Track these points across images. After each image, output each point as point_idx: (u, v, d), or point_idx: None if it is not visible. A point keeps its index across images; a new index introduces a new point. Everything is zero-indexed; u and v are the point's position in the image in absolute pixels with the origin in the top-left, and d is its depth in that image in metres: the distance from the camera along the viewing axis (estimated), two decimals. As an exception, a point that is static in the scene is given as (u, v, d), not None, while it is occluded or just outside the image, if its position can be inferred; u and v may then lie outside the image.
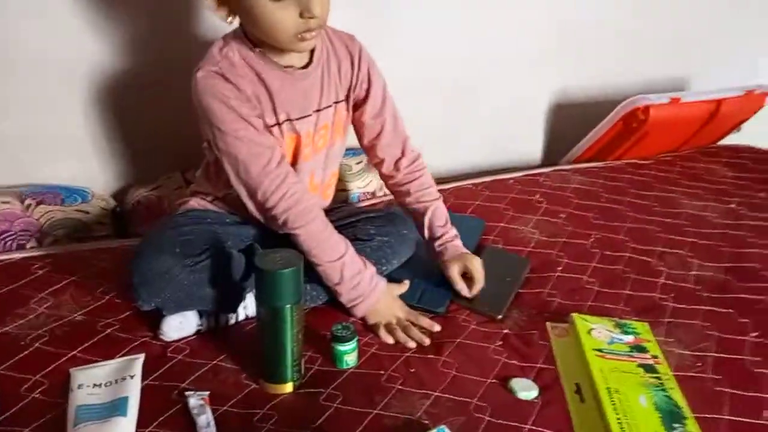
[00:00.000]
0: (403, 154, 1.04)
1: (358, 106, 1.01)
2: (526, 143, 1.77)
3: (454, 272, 1.01)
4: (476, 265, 1.01)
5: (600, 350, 0.87)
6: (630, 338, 0.91)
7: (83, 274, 1.00)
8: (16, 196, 1.12)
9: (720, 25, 1.83)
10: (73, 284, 0.97)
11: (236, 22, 0.89)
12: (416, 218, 1.06)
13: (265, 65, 0.88)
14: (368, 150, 1.06)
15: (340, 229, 0.98)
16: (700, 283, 1.10)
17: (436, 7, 1.42)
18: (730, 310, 1.03)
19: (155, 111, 1.24)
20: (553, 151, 1.78)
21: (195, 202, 1.00)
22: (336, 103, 0.97)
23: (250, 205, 0.91)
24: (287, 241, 0.91)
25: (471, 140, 1.65)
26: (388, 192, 1.39)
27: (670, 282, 1.10)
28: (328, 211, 1.05)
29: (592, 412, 0.79)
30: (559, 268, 1.12)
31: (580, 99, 1.74)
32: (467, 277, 1.02)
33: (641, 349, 0.89)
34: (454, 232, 1.05)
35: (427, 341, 0.91)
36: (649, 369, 0.85)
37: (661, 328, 0.97)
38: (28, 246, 1.10)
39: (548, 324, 0.95)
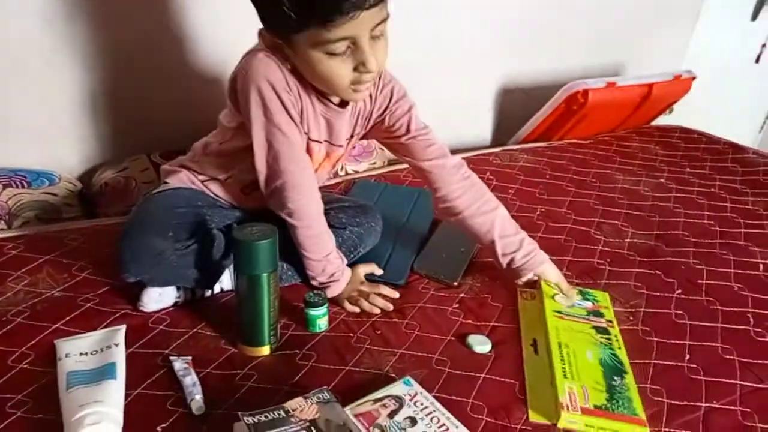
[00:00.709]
0: (445, 164, 1.02)
1: (380, 123, 1.02)
2: (477, 126, 1.87)
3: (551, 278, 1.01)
4: (557, 276, 1.02)
5: (559, 312, 0.97)
6: (589, 304, 1.01)
7: (57, 253, 1.02)
8: (-19, 180, 1.13)
9: (651, 15, 1.97)
10: (48, 263, 1.00)
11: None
12: (481, 237, 1.03)
13: (308, 89, 0.89)
14: (416, 170, 1.05)
15: None
16: (632, 249, 1.22)
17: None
18: (658, 272, 1.15)
19: (120, 94, 1.25)
20: (501, 134, 1.88)
21: (185, 177, 1.01)
22: (352, 136, 1.01)
23: (263, 187, 0.92)
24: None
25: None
26: (350, 171, 1.47)
27: (606, 249, 1.22)
28: None
29: (543, 362, 0.89)
30: (509, 239, 1.22)
31: (525, 84, 1.85)
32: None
33: (598, 314, 0.99)
34: (531, 245, 1.03)
35: (390, 307, 0.98)
36: (602, 330, 0.95)
37: (599, 289, 1.08)
38: (-3, 228, 1.10)
39: (519, 289, 1.03)
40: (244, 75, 0.85)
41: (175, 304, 0.94)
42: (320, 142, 0.96)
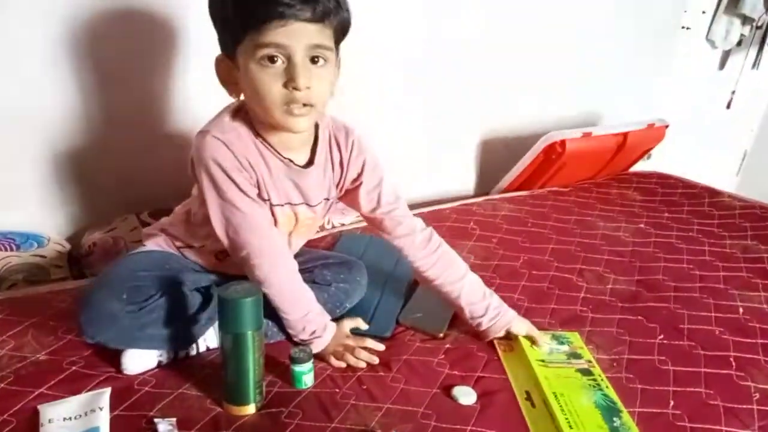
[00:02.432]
0: (412, 234, 1.04)
1: (349, 200, 1.05)
2: (460, 176, 1.92)
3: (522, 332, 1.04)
4: (527, 329, 1.05)
5: (543, 360, 0.99)
6: (565, 347, 1.04)
7: (43, 315, 1.02)
8: (-30, 244, 1.14)
9: (623, 67, 2.07)
10: (33, 326, 1.00)
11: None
12: (450, 301, 1.06)
13: (268, 151, 0.92)
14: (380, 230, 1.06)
15: (300, 272, 1.03)
16: (614, 295, 1.25)
17: (376, 50, 1.55)
18: (640, 317, 1.17)
19: (109, 155, 1.28)
20: (484, 183, 1.93)
21: (162, 241, 1.03)
22: (327, 199, 1.03)
23: (232, 254, 0.95)
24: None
25: (410, 176, 1.77)
26: (336, 224, 1.49)
27: (589, 295, 1.24)
28: None
29: (543, 414, 0.89)
30: (493, 288, 1.22)
31: (506, 135, 1.91)
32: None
33: (576, 356, 1.01)
34: (495, 303, 1.05)
35: (375, 360, 0.98)
36: (586, 372, 0.97)
37: (582, 336, 1.10)
38: (-15, 292, 1.11)
39: (496, 342, 1.04)
40: (195, 156, 0.90)
41: (159, 364, 0.94)
42: (282, 205, 0.96)
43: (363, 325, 1.06)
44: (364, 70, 1.53)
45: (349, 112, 1.46)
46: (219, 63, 0.90)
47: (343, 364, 0.97)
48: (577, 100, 2.01)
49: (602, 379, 0.96)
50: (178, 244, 1.04)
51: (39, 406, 0.83)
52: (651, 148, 1.99)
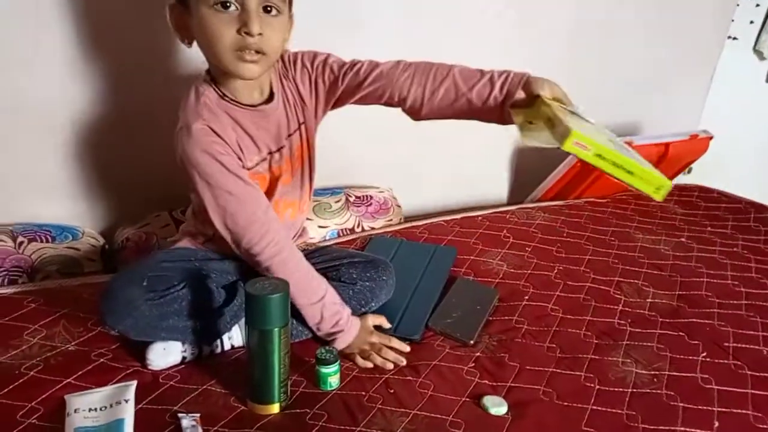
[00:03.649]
0: (385, 68, 0.97)
1: (331, 89, 1.00)
2: (494, 185, 1.89)
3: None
4: (549, 87, 0.93)
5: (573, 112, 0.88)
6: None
7: (75, 307, 1.03)
8: (8, 234, 1.16)
9: (666, 77, 2.01)
10: (65, 317, 1.01)
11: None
12: (456, 108, 0.97)
13: (235, 108, 0.93)
14: (380, 100, 1.00)
15: (325, 271, 1.04)
16: (654, 309, 1.19)
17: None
18: (682, 333, 1.11)
19: (142, 152, 1.30)
20: (518, 192, 1.89)
21: (187, 242, 1.04)
22: (300, 124, 1.01)
23: (235, 249, 0.95)
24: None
25: (442, 182, 1.75)
26: (366, 228, 1.48)
27: (627, 309, 1.19)
28: (314, 253, 1.11)
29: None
30: (526, 297, 1.20)
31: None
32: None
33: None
34: (498, 70, 0.96)
35: (403, 361, 0.96)
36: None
37: (620, 350, 1.05)
38: (20, 281, 1.13)
39: (516, 124, 0.91)
40: (181, 154, 0.90)
41: (183, 360, 0.93)
42: (264, 159, 0.96)
43: (386, 324, 1.04)
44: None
45: (382, 114, 1.45)
46: (172, 8, 0.89)
47: (369, 364, 0.96)
48: (617, 110, 1.96)
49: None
50: (200, 240, 1.04)
51: (66, 396, 0.83)
52: (693, 161, 1.92)
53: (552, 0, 1.68)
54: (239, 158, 0.93)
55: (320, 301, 0.96)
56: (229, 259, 1.04)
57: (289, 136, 1.00)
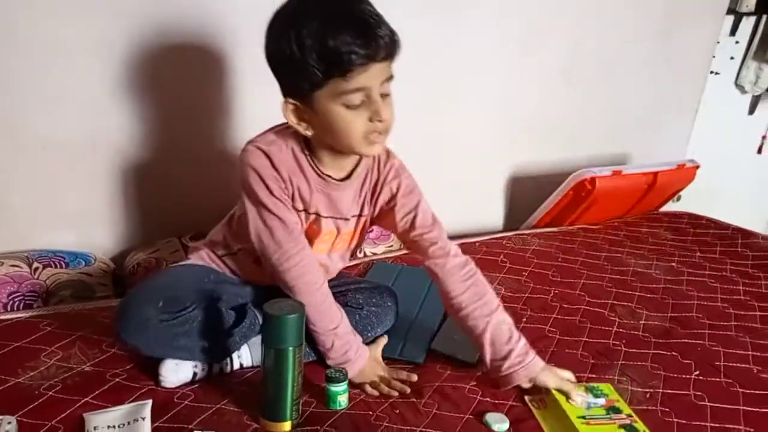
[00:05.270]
0: (445, 261, 1.04)
1: (385, 222, 1.08)
2: (489, 212, 1.94)
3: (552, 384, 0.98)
4: (557, 382, 0.99)
5: (583, 417, 0.94)
6: (602, 401, 0.99)
7: (89, 330, 1.06)
8: (24, 260, 1.20)
9: (653, 110, 2.09)
10: (79, 339, 1.04)
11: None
12: (474, 337, 1.02)
13: (308, 166, 0.98)
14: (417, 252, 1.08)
15: (333, 295, 1.06)
16: (647, 330, 1.24)
17: (408, 93, 1.60)
18: (674, 353, 1.16)
19: (154, 180, 1.35)
20: (513, 219, 1.95)
21: (205, 255, 1.08)
22: (360, 215, 1.06)
23: (263, 261, 0.99)
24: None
25: (439, 210, 1.79)
26: (368, 254, 1.52)
27: (621, 330, 1.23)
28: None
29: None
30: (524, 320, 1.24)
31: (534, 173, 1.94)
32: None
33: (616, 410, 0.97)
34: (520, 349, 0.99)
35: (407, 390, 0.99)
36: (630, 429, 0.93)
37: (615, 369, 1.09)
38: (35, 306, 1.16)
39: (526, 397, 0.99)
40: (239, 163, 0.97)
41: (194, 377, 0.96)
42: (308, 213, 1.01)
43: (383, 340, 1.07)
44: (397, 101, 1.59)
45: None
46: (288, 107, 0.93)
47: (377, 393, 0.99)
48: (607, 141, 2.03)
49: None
50: (219, 252, 1.08)
51: (84, 414, 0.86)
52: (681, 189, 1.99)
53: (549, 38, 1.77)
54: (286, 190, 0.97)
55: (334, 329, 0.99)
56: (242, 283, 1.07)
57: (346, 219, 1.04)
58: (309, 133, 0.94)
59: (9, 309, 1.14)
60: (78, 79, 1.23)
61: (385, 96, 0.91)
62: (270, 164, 0.95)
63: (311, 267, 0.99)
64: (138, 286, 1.00)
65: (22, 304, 1.15)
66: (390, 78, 0.91)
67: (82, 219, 1.32)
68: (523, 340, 1.01)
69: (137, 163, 1.33)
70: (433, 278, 1.06)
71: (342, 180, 1.01)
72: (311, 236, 1.03)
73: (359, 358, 1.01)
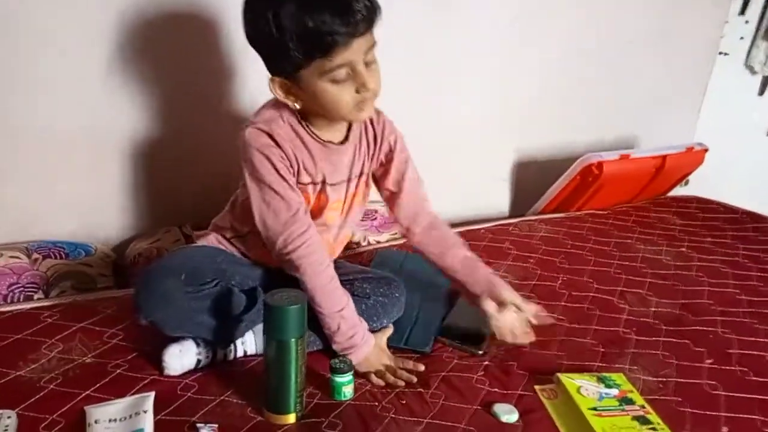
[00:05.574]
0: (418, 218, 1.12)
1: (379, 173, 1.12)
2: (494, 198, 1.91)
3: (491, 308, 1.05)
4: (509, 294, 1.07)
5: (595, 409, 0.92)
6: (615, 391, 0.96)
7: (90, 321, 1.05)
8: (23, 251, 1.18)
9: (661, 92, 2.05)
10: (81, 330, 1.02)
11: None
12: (449, 273, 1.12)
13: (308, 136, 0.99)
14: (389, 207, 1.15)
15: (341, 284, 1.05)
16: (658, 317, 1.21)
17: (412, 79, 1.57)
18: (686, 341, 1.13)
19: (154, 170, 1.32)
20: (519, 205, 1.92)
21: (213, 238, 1.07)
22: (361, 174, 1.08)
23: (268, 243, 0.98)
24: (291, 285, 0.97)
25: (443, 195, 1.77)
26: (372, 242, 1.50)
27: (631, 317, 1.21)
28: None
29: None
30: (532, 307, 1.22)
31: (540, 157, 1.91)
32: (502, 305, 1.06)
33: (628, 401, 0.94)
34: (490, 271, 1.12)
35: (414, 379, 0.98)
36: (643, 420, 0.91)
37: (626, 358, 1.07)
38: (35, 297, 1.14)
39: (537, 387, 0.97)
40: (240, 146, 0.97)
41: (198, 364, 0.95)
42: (314, 183, 1.01)
43: (389, 330, 1.06)
44: (399, 86, 1.56)
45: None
46: (276, 83, 0.93)
47: (382, 383, 0.97)
48: (614, 124, 2.00)
49: (662, 428, 0.89)
50: (228, 235, 1.07)
51: (85, 408, 0.84)
52: (690, 173, 1.96)
53: (553, 19, 1.73)
54: (291, 167, 0.97)
55: (340, 311, 0.98)
56: (251, 264, 1.06)
57: (348, 181, 1.06)
58: (298, 105, 0.95)
59: (9, 301, 1.12)
60: (71, 65, 1.20)
61: (369, 63, 0.92)
62: (273, 143, 0.95)
63: (317, 247, 0.99)
64: (154, 264, 1.00)
65: (22, 296, 1.13)
66: (373, 45, 0.92)
67: (82, 209, 1.30)
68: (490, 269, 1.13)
69: (137, 150, 1.31)
70: (406, 234, 1.14)
71: (341, 143, 1.02)
72: (320, 207, 1.03)
73: (365, 344, 0.99)
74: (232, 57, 1.31)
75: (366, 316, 1.05)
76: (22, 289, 1.13)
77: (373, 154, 1.08)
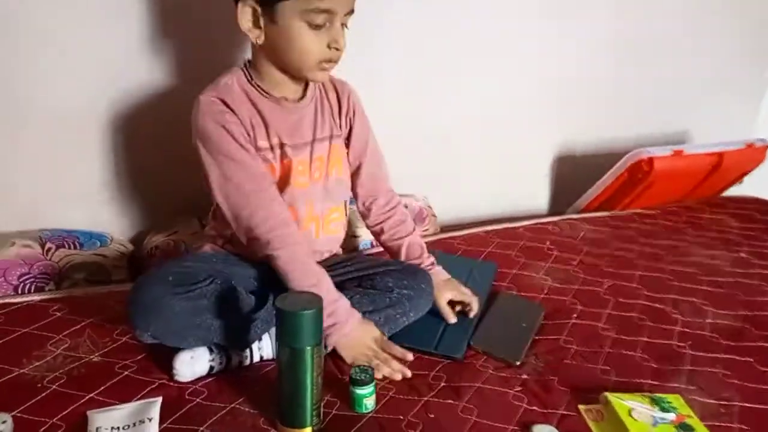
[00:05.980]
0: (378, 195, 1.10)
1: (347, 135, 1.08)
2: (533, 193, 1.80)
3: (442, 301, 1.05)
4: (461, 289, 1.07)
5: None
6: (672, 416, 0.85)
7: (101, 316, 1.00)
8: (36, 240, 1.14)
9: (716, 84, 1.90)
10: (90, 326, 0.97)
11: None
12: (393, 256, 1.11)
13: (259, 95, 0.95)
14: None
15: (359, 281, 1.00)
16: (716, 330, 1.10)
17: (448, 68, 1.48)
18: (749, 359, 1.02)
19: (170, 159, 1.26)
20: (558, 202, 1.81)
21: (208, 248, 1.03)
22: (331, 137, 1.03)
23: (234, 225, 0.93)
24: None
25: (478, 191, 1.68)
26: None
27: (686, 330, 1.10)
28: (346, 262, 1.07)
29: None
30: (574, 315, 1.12)
31: (582, 152, 1.79)
32: (455, 303, 1.07)
33: (688, 428, 0.83)
34: (430, 260, 1.11)
35: (408, 374, 0.91)
36: None
37: (683, 377, 0.96)
38: (46, 288, 1.10)
39: (581, 407, 0.88)
40: (192, 123, 0.93)
41: (211, 370, 0.88)
42: (272, 148, 0.96)
43: (409, 357, 0.95)
44: (442, 82, 1.48)
45: (417, 124, 1.39)
46: (246, 10, 0.89)
47: (379, 375, 0.89)
48: (666, 117, 1.86)
49: None
50: (219, 242, 1.03)
51: (88, 412, 0.79)
52: (749, 171, 1.81)
53: (600, 5, 1.60)
54: (248, 134, 0.93)
55: (315, 285, 0.90)
56: (248, 263, 1.00)
57: (312, 141, 1.00)
58: (260, 41, 0.91)
59: (20, 292, 1.08)
60: (81, 42, 1.15)
61: (344, 25, 0.92)
62: (227, 108, 0.92)
63: (287, 220, 0.94)
64: (141, 276, 0.95)
65: (33, 287, 1.09)
66: (352, 11, 0.92)
67: (98, 197, 1.25)
68: (432, 258, 1.12)
69: (153, 141, 1.25)
70: (364, 212, 1.11)
71: (298, 100, 0.99)
72: (286, 173, 0.98)
73: (349, 319, 0.92)
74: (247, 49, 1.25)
75: (391, 309, 0.98)
76: (33, 279, 1.09)
77: (340, 113, 1.05)
